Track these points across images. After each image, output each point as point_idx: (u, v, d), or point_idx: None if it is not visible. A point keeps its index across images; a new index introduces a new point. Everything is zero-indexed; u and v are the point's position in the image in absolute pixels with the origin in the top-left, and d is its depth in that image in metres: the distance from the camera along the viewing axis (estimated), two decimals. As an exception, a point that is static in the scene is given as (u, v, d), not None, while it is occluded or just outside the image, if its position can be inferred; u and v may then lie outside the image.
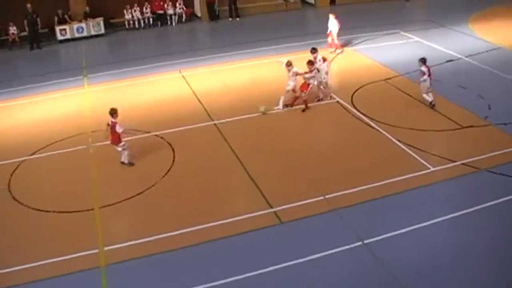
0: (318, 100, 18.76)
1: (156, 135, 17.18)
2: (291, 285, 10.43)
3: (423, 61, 17.58)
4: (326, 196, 13.17)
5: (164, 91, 20.87)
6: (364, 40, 25.26)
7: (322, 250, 11.28)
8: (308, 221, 12.38)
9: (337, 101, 18.66)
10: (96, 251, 11.95)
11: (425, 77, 17.44)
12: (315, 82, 18.24)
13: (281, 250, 11.46)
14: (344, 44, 24.69)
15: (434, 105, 17.51)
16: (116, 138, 15.28)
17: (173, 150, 16.20)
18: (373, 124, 16.77)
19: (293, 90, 18.26)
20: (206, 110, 18.75)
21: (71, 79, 22.67)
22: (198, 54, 25.15)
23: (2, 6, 29.37)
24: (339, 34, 24.04)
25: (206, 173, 14.90)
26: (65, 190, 14.70)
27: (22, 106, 20.75)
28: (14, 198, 14.43)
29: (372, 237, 11.56)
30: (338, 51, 23.99)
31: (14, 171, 15.87)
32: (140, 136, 17.12)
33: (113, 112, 15.11)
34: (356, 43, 24.87)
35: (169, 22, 32.14)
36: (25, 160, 16.45)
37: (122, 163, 15.61)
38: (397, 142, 15.62)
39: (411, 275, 10.52)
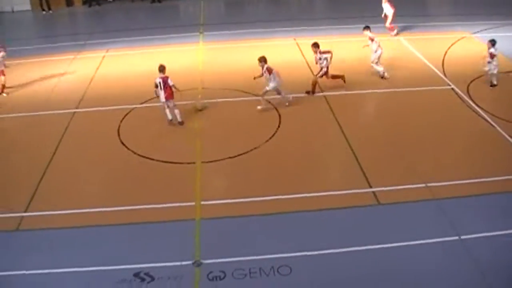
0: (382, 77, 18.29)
1: (255, 94, 17.14)
2: (380, 267, 10.11)
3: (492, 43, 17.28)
4: (428, 184, 12.63)
5: (276, 56, 20.61)
6: (486, 29, 23.78)
7: (416, 238, 10.81)
8: (406, 207, 11.90)
9: (452, 88, 17.77)
10: (193, 203, 12.15)
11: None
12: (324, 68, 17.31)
13: (375, 231, 11.11)
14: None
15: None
16: (170, 93, 15.49)
17: (279, 115, 16.11)
18: (487, 117, 15.79)
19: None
20: (318, 81, 18.47)
21: (187, 35, 23.08)
22: (315, 23, 24.74)
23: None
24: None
25: (309, 143, 14.72)
26: (170, 142, 15.09)
27: (140, 55, 21.43)
28: (122, 142, 14.98)
29: (470, 234, 10.91)
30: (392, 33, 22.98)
31: (124, 117, 16.50)
32: (249, 98, 17.17)
33: (162, 69, 15.46)
34: (478, 31, 23.41)
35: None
36: (135, 107, 16.99)
37: (180, 123, 15.83)
38: (510, 139, 14.65)
39: (504, 280, 9.89)
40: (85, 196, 12.82)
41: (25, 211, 12.26)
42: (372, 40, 18.35)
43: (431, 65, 19.52)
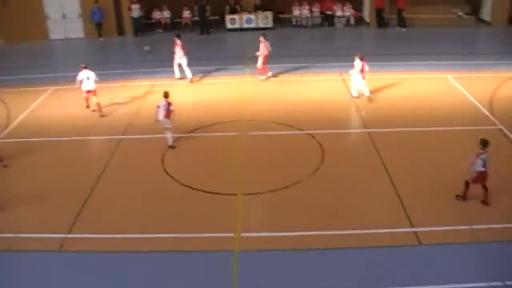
0: None
1: (308, 133, 17.22)
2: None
3: None
4: (473, 227, 12.39)
5: (320, 91, 20.88)
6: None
7: (458, 281, 10.61)
8: (449, 248, 11.67)
9: (500, 129, 17.44)
10: (232, 235, 12.23)
11: None
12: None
13: (417, 272, 10.94)
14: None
15: None
16: (168, 114, 16.34)
17: (322, 150, 16.12)
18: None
19: None
20: (362, 117, 18.50)
21: (234, 67, 23.41)
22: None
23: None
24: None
25: (352, 179, 14.67)
26: (212, 171, 15.27)
27: (186, 86, 21.86)
28: (165, 171, 15.27)
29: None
30: None
31: (169, 146, 16.80)
32: (292, 132, 17.29)
33: (167, 95, 16.38)
34: None
35: (336, 24, 32.09)
36: (180, 137, 17.31)
37: (170, 147, 16.46)
38: None
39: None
40: (126, 221, 13.09)
41: (68, 233, 12.61)
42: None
43: (478, 104, 19.30)
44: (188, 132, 17.62)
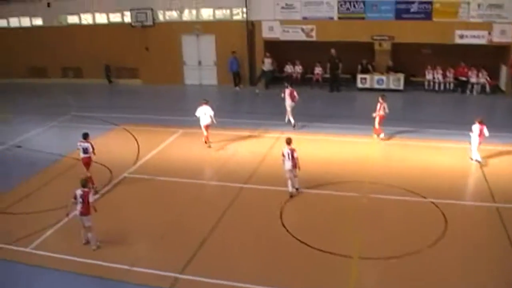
0: None
1: (431, 201, 16.48)
2: None
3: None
4: None
5: (446, 157, 20.03)
6: None
7: None
8: None
9: None
10: (344, 299, 11.82)
11: None
12: None
13: None
14: None
15: None
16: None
17: (446, 221, 15.27)
18: None
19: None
20: (490, 189, 17.46)
21: (361, 127, 23.12)
22: (494, 129, 23.47)
23: (310, 47, 31.60)
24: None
25: (475, 257, 13.69)
26: (330, 230, 14.93)
27: (310, 141, 21.86)
28: (282, 224, 15.16)
29: None
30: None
31: (289, 199, 16.76)
32: (416, 199, 16.63)
33: (289, 142, 15.66)
34: None
35: (469, 91, 30.96)
36: (301, 192, 17.20)
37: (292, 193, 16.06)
38: None
39: None
40: (237, 269, 13.07)
41: (181, 273, 12.83)
42: None
43: None
44: (309, 188, 17.47)
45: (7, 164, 21.05)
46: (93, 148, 17.66)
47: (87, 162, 17.74)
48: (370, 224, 15.25)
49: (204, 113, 21.28)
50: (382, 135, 22.27)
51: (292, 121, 23.88)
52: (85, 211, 14.06)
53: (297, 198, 16.89)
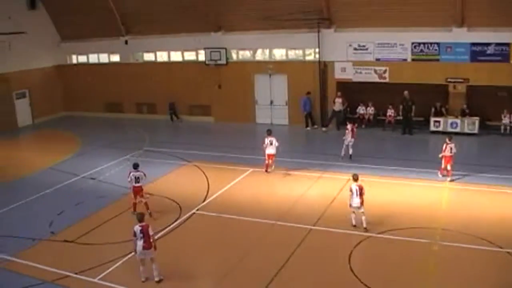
0: None
1: (508, 252, 15.73)
2: None
3: None
4: None
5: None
6: None
7: None
8: None
9: None
10: None
11: None
12: None
13: None
14: None
15: None
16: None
17: (525, 275, 14.57)
18: None
19: None
20: None
21: (434, 171, 22.51)
22: None
23: (383, 89, 31.36)
24: None
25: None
26: (399, 278, 14.46)
27: (384, 184, 21.50)
28: (351, 269, 14.83)
29: None
30: None
31: (359, 243, 16.48)
32: (492, 249, 15.90)
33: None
34: None
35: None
36: (371, 236, 16.83)
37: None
38: None
39: None
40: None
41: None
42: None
43: None
44: (380, 233, 17.07)
45: (79, 195, 21.67)
46: (145, 175, 19.23)
47: (139, 191, 19.10)
48: (441, 274, 14.66)
49: (270, 143, 23.14)
50: (449, 179, 21.85)
51: (351, 151, 25.07)
52: (148, 246, 14.30)
53: (367, 242, 16.54)
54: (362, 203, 17.06)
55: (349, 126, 24.98)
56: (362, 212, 17.13)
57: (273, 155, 23.39)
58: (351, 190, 17.22)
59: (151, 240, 14.37)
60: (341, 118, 32.30)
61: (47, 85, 39.42)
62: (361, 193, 17.06)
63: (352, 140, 24.79)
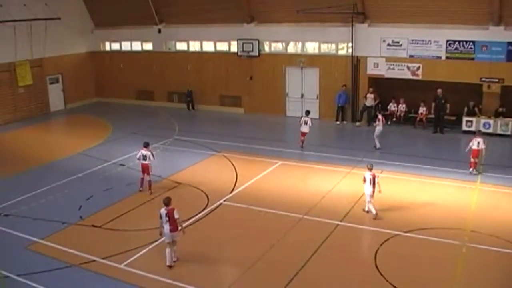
0: None
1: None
2: None
3: None
4: None
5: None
6: None
7: None
8: None
9: None
10: None
11: None
12: None
13: None
14: None
15: None
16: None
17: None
18: None
19: None
20: None
21: (465, 171, 22.22)
22: None
23: (415, 86, 31.03)
24: None
25: None
26: (424, 278, 14.30)
27: (411, 182, 21.36)
28: (376, 266, 14.74)
29: None
30: None
31: (385, 241, 16.35)
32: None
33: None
34: None
35: None
36: (398, 234, 16.69)
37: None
38: None
39: None
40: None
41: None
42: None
43: None
44: (408, 231, 16.90)
45: (109, 181, 21.97)
46: (153, 155, 20.67)
47: (147, 167, 20.49)
48: (468, 276, 14.49)
49: (305, 123, 26.20)
50: (473, 171, 22.44)
51: (378, 145, 26.22)
52: (174, 228, 14.67)
53: (394, 241, 16.40)
54: (374, 192, 17.88)
55: (380, 117, 26.29)
56: (370, 202, 18.00)
57: (305, 133, 26.40)
58: (364, 179, 18.02)
59: (177, 223, 14.67)
60: (372, 113, 32.04)
61: (80, 71, 39.89)
62: (374, 182, 17.80)
63: (381, 129, 26.08)
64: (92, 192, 20.62)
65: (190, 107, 37.75)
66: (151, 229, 16.61)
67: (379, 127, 26.08)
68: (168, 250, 14.82)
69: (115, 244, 16.25)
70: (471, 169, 22.39)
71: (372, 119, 31.43)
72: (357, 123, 32.36)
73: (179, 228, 14.84)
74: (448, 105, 29.94)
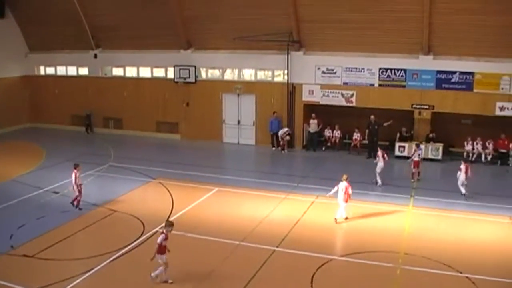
0: None
1: (467, 277, 15.94)
2: None
3: None
4: None
5: (487, 233, 19.45)
6: None
7: None
8: None
9: None
10: None
11: None
12: None
13: None
14: None
15: None
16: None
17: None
18: None
19: None
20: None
21: (397, 195, 22.80)
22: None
23: (350, 112, 31.95)
24: None
25: None
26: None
27: (349, 207, 21.53)
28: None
29: None
30: None
31: (321, 266, 16.42)
32: (452, 273, 16.08)
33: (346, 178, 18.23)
34: None
35: (510, 163, 30.30)
36: (333, 259, 16.89)
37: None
38: None
39: None
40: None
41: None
42: None
43: None
44: (343, 255, 17.14)
45: (42, 209, 21.28)
46: (75, 178, 21.19)
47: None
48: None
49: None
50: (414, 181, 25.64)
51: (379, 181, 25.35)
52: (157, 251, 15.23)
53: (330, 264, 16.55)
54: (346, 200, 19.91)
55: (379, 153, 25.49)
56: (344, 208, 20.00)
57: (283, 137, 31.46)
58: (337, 187, 19.94)
59: (156, 246, 15.12)
60: (315, 139, 32.60)
61: (13, 95, 38.84)
62: (346, 191, 19.83)
63: (383, 166, 25.30)
64: (25, 221, 19.93)
65: (89, 130, 37.96)
66: (85, 258, 16.20)
67: (380, 163, 25.24)
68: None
69: (48, 274, 15.69)
70: (412, 180, 25.04)
71: (315, 146, 31.97)
72: (273, 148, 33.18)
73: (160, 251, 15.17)
74: (384, 126, 30.74)
